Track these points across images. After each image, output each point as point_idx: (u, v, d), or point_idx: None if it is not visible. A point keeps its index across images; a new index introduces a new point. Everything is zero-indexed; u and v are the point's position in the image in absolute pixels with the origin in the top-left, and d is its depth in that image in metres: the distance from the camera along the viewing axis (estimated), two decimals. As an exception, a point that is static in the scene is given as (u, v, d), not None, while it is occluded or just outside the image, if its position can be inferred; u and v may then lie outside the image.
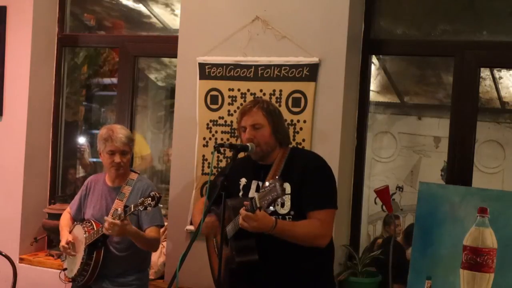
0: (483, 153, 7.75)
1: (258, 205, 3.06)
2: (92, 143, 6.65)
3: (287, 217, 3.40)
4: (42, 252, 5.57)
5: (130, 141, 4.17)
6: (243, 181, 3.61)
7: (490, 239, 3.61)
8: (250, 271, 3.40)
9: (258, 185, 3.53)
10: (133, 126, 5.48)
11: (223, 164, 4.63)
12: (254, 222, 3.15)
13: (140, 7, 6.35)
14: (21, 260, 5.41)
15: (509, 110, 8.08)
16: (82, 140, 6.65)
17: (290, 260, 3.40)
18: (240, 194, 3.60)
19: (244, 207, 3.17)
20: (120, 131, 4.12)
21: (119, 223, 3.81)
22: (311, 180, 3.41)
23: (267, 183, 3.06)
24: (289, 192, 3.40)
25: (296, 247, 3.33)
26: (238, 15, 4.61)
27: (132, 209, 3.79)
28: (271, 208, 3.31)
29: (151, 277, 4.60)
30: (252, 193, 3.53)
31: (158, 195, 3.76)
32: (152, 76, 7.35)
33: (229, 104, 4.64)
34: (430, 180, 4.69)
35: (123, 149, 4.11)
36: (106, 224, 3.84)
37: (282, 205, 3.41)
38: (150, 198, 3.75)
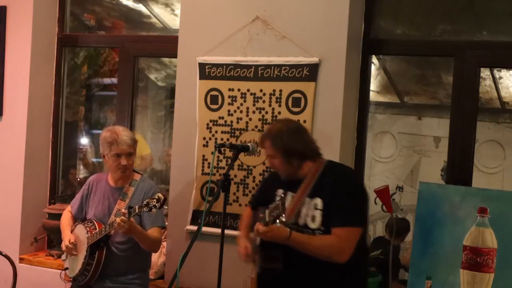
0: (483, 153, 7.77)
1: (267, 219, 3.27)
2: (93, 142, 6.65)
3: (316, 231, 3.42)
4: (42, 252, 5.56)
5: (135, 143, 4.18)
6: (280, 191, 3.61)
7: (490, 239, 3.61)
8: (275, 278, 3.47)
9: (293, 197, 3.54)
10: (133, 126, 5.48)
11: (223, 164, 4.63)
12: (268, 233, 3.31)
13: (140, 7, 6.35)
14: (21, 260, 5.39)
15: (509, 110, 8.09)
16: (83, 140, 6.65)
17: (316, 272, 3.42)
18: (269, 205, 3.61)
19: (259, 221, 3.35)
20: (124, 134, 4.12)
21: (129, 221, 3.83)
22: (338, 196, 3.41)
23: (276, 199, 3.27)
24: (320, 207, 3.43)
25: (323, 261, 3.36)
26: (238, 15, 4.60)
27: (137, 210, 3.81)
28: (303, 220, 3.45)
29: (151, 277, 4.60)
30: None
31: (163, 196, 3.77)
32: (152, 76, 7.36)
33: (229, 104, 4.64)
34: (430, 180, 4.69)
35: (129, 151, 4.12)
36: (118, 219, 3.84)
37: (313, 219, 3.44)
38: (155, 200, 3.76)
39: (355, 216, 3.43)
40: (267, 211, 3.29)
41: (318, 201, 3.43)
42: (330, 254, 3.35)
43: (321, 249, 3.35)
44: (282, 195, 3.33)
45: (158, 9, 6.27)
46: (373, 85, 6.59)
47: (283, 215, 3.23)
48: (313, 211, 3.43)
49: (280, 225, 3.29)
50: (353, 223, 3.40)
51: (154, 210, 3.78)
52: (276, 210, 3.22)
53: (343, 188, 3.44)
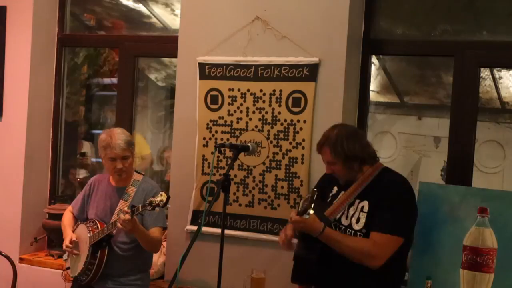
0: (483, 153, 7.75)
1: (299, 210, 3.36)
2: (93, 142, 6.66)
3: (358, 233, 3.45)
4: (42, 252, 5.57)
5: (130, 145, 4.17)
6: (334, 189, 3.68)
7: (490, 239, 3.58)
8: (310, 267, 3.51)
9: (317, 191, 3.55)
10: (133, 127, 5.48)
11: (223, 164, 4.63)
12: (301, 224, 3.38)
13: (140, 7, 6.35)
14: (21, 260, 5.40)
15: (509, 110, 8.07)
16: (83, 140, 6.65)
17: (350, 272, 3.45)
18: (328, 200, 3.68)
19: (294, 211, 3.45)
20: (119, 137, 4.12)
21: (133, 219, 3.84)
22: (385, 202, 3.42)
23: (309, 193, 3.41)
24: (366, 210, 3.46)
25: (359, 265, 3.39)
26: (238, 15, 4.61)
27: (141, 209, 3.82)
28: (348, 220, 3.51)
29: (151, 277, 4.60)
30: None
31: (166, 196, 3.78)
32: (152, 76, 7.36)
33: (229, 104, 4.64)
34: (430, 180, 4.68)
35: (123, 155, 4.12)
36: (122, 216, 3.85)
37: (358, 221, 3.47)
38: (158, 199, 3.77)
39: (397, 225, 3.41)
40: (301, 202, 3.39)
41: (366, 204, 3.47)
42: (361, 257, 3.36)
43: (353, 250, 3.37)
44: (315, 190, 3.41)
45: (158, 9, 6.27)
46: (373, 85, 6.56)
47: (311, 208, 3.29)
48: (359, 213, 3.47)
49: (313, 217, 3.35)
50: (393, 231, 3.39)
51: (157, 209, 3.80)
52: (305, 202, 3.31)
53: (391, 195, 3.45)
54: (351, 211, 3.50)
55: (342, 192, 3.60)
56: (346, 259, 3.39)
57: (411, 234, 3.60)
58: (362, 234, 3.43)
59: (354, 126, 3.92)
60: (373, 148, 3.64)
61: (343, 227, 3.49)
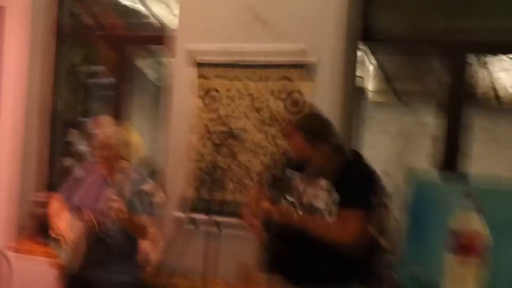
0: (472, 138, 7.80)
1: (273, 198, 3.42)
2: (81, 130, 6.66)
3: (321, 211, 3.47)
4: (29, 240, 5.55)
5: (117, 134, 4.18)
6: (289, 172, 3.66)
7: (477, 224, 3.62)
8: (283, 258, 3.53)
9: (300, 177, 3.60)
10: (126, 118, 5.52)
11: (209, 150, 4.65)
12: (273, 212, 3.42)
13: (139, 7, 6.36)
14: (10, 248, 5.41)
15: (500, 98, 8.13)
16: (70, 128, 6.65)
17: (323, 256, 3.45)
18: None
19: (265, 200, 3.46)
20: (106, 124, 4.16)
21: (123, 207, 3.84)
22: (346, 179, 3.47)
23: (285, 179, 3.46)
24: (326, 188, 3.49)
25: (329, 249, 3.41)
26: (237, 15, 4.65)
27: (131, 198, 3.81)
28: (311, 200, 3.51)
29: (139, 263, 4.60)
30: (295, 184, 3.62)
31: (158, 185, 3.78)
32: (148, 73, 7.39)
33: (226, 103, 4.66)
34: (417, 166, 4.73)
35: (109, 143, 4.13)
36: (114, 204, 3.85)
37: (317, 198, 3.50)
38: (149, 188, 3.77)
39: (360, 198, 3.47)
40: (273, 190, 3.40)
41: (324, 182, 3.49)
42: (335, 237, 3.39)
43: (325, 230, 3.41)
44: (290, 176, 3.45)
45: (156, 9, 6.28)
46: (371, 86, 6.67)
47: (289, 194, 3.35)
48: (318, 191, 3.49)
49: (287, 206, 3.37)
50: (358, 204, 3.44)
51: (146, 198, 3.80)
52: (283, 190, 3.35)
53: (350, 172, 3.50)
54: (310, 190, 3.53)
55: (297, 173, 3.62)
56: (318, 244, 3.40)
57: (373, 204, 3.61)
58: (323, 210, 3.46)
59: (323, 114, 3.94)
60: (341, 138, 3.73)
61: (305, 207, 3.51)
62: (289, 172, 3.66)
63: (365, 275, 3.62)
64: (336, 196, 3.46)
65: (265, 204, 3.39)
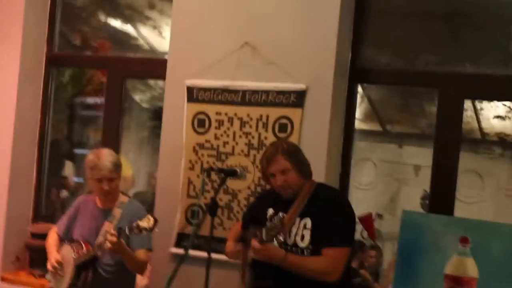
0: (462, 183, 7.84)
1: (264, 238, 3.30)
2: (75, 162, 6.65)
3: (305, 250, 3.48)
4: (24, 271, 5.51)
5: (117, 167, 4.15)
6: (270, 211, 3.68)
7: (471, 268, 3.66)
8: None
9: (283, 216, 3.58)
10: (120, 148, 5.48)
11: (208, 187, 4.65)
12: (264, 251, 3.36)
13: (128, 28, 6.38)
14: (3, 279, 5.36)
15: (489, 141, 8.19)
16: (65, 160, 6.64)
17: None
18: (267, 223, 3.63)
19: (255, 237, 3.36)
20: (107, 158, 4.10)
21: (120, 241, 3.83)
22: (329, 217, 3.47)
23: (274, 219, 3.39)
24: (310, 227, 3.49)
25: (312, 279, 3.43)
26: (227, 40, 4.66)
27: (128, 231, 3.80)
28: (292, 239, 3.51)
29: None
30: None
31: (153, 220, 3.78)
32: (137, 97, 7.38)
33: (216, 128, 4.67)
34: (409, 208, 4.74)
35: (110, 177, 4.10)
36: (109, 237, 3.83)
37: (302, 238, 3.49)
38: (145, 223, 3.77)
39: (344, 236, 3.51)
40: (264, 230, 3.32)
41: (308, 221, 3.49)
42: (322, 275, 3.41)
43: (314, 271, 3.41)
44: (281, 216, 3.44)
45: (145, 31, 6.31)
46: (356, 113, 6.66)
47: (281, 234, 3.31)
48: (302, 230, 3.49)
49: (276, 245, 3.36)
50: (342, 243, 3.47)
51: (144, 232, 3.79)
52: (275, 229, 3.27)
53: (332, 209, 3.50)
54: (294, 230, 3.52)
55: (280, 213, 3.61)
56: (299, 279, 3.42)
57: (354, 239, 3.71)
58: (309, 250, 3.47)
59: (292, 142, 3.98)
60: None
61: (289, 247, 3.51)
62: (270, 211, 3.68)
63: None
64: (308, 221, 3.49)
65: (255, 244, 3.38)
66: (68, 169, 6.73)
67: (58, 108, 6.43)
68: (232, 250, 3.78)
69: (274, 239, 3.34)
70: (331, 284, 3.43)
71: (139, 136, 7.70)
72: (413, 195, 8.15)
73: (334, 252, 3.42)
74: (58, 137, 6.56)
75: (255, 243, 3.36)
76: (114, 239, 3.80)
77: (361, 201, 8.21)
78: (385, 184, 8.76)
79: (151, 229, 3.79)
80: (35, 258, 5.38)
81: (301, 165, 3.57)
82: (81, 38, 6.22)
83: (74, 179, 6.74)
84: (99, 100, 6.25)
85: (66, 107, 6.74)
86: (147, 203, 6.21)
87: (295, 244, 3.51)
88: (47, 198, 6.00)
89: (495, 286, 3.66)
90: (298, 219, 3.53)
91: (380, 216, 7.89)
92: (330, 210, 3.50)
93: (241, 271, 3.74)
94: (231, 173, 3.88)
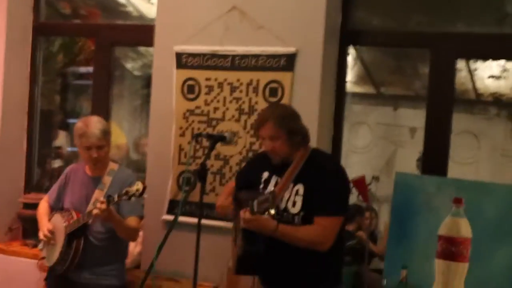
0: (457, 144, 7.83)
1: (255, 210, 3.28)
2: (69, 132, 6.61)
3: (295, 216, 3.46)
4: (16, 242, 5.53)
5: (106, 134, 4.13)
6: (265, 175, 3.66)
7: (465, 229, 3.64)
8: (256, 260, 3.52)
9: (277, 181, 3.57)
10: (109, 116, 5.44)
11: (199, 153, 4.63)
12: (254, 222, 3.36)
13: (117, -5, 6.32)
14: (-4, 249, 5.38)
15: (484, 102, 8.15)
16: (59, 130, 6.61)
17: (297, 257, 3.46)
18: (261, 187, 3.65)
19: (245, 210, 3.36)
20: (95, 126, 4.07)
21: (108, 208, 3.81)
22: (322, 185, 3.43)
23: (266, 191, 3.34)
24: (302, 193, 3.47)
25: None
26: (215, 4, 4.60)
27: (116, 199, 3.79)
28: (283, 204, 3.49)
29: (127, 266, 4.59)
30: (270, 187, 3.58)
31: (143, 185, 3.76)
32: (128, 65, 7.31)
33: (206, 93, 4.63)
34: (405, 170, 4.72)
35: (98, 144, 4.08)
36: (98, 205, 3.82)
37: (294, 204, 3.47)
38: (135, 188, 3.75)
39: (338, 206, 3.48)
40: (255, 201, 3.29)
41: (301, 187, 3.47)
42: (313, 245, 3.40)
43: (305, 241, 3.39)
44: (273, 189, 3.39)
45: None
46: (350, 76, 6.60)
47: (272, 209, 3.25)
48: (294, 197, 3.47)
49: (268, 216, 3.32)
50: (336, 212, 3.45)
51: (133, 198, 3.78)
52: (266, 203, 3.23)
53: (326, 177, 3.47)
54: (286, 195, 3.51)
55: (274, 176, 3.60)
56: (292, 246, 3.41)
57: (348, 208, 3.69)
58: (300, 217, 3.45)
59: (292, 107, 3.93)
60: (307, 130, 3.64)
61: (280, 212, 3.48)
62: (265, 175, 3.66)
63: (339, 276, 3.66)
64: (300, 187, 3.47)
65: (246, 215, 3.35)
66: (62, 138, 6.69)
67: (50, 78, 6.39)
68: (222, 203, 3.81)
69: (266, 212, 3.29)
70: (321, 253, 3.42)
71: (133, 104, 7.65)
72: (409, 157, 8.12)
73: (326, 221, 3.40)
74: (51, 107, 6.52)
75: (246, 213, 3.35)
76: (103, 206, 3.79)
77: (357, 164, 8.20)
78: (381, 147, 8.73)
79: (140, 195, 3.77)
80: (28, 228, 5.38)
81: (292, 134, 3.51)
82: (70, 6, 6.15)
83: (67, 149, 6.70)
84: (91, 69, 6.18)
85: (58, 77, 6.69)
86: (140, 170, 6.22)
87: (286, 209, 3.49)
88: (41, 168, 5.98)
89: (489, 246, 3.65)
90: (291, 184, 3.50)
91: (376, 178, 7.86)
92: (324, 177, 3.47)
93: (232, 235, 3.75)
94: (220, 138, 3.85)
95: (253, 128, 3.71)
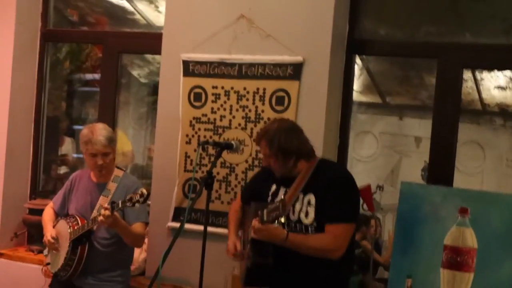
0: (463, 154, 7.83)
1: (265, 219, 3.28)
2: (75, 138, 6.64)
3: (309, 227, 3.45)
4: (22, 247, 5.54)
5: (111, 141, 4.13)
6: (273, 187, 3.66)
7: (470, 239, 3.63)
8: (265, 272, 3.50)
9: (286, 191, 3.56)
10: (116, 123, 5.46)
11: (205, 161, 4.63)
12: (264, 232, 3.34)
13: (124, 3, 6.33)
14: (1, 255, 5.38)
15: (490, 112, 8.15)
16: (65, 136, 6.63)
17: (306, 268, 3.46)
18: (269, 199, 3.64)
19: (256, 218, 3.35)
20: (101, 133, 4.08)
21: (113, 214, 3.82)
22: (333, 193, 3.43)
23: (275, 200, 3.30)
24: (314, 203, 3.46)
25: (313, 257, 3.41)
26: (223, 13, 4.61)
27: (121, 205, 3.80)
28: (296, 216, 3.47)
29: (131, 273, 4.59)
30: (279, 198, 3.57)
31: (146, 192, 3.77)
32: (135, 73, 7.34)
33: (212, 101, 4.64)
34: (410, 180, 4.71)
35: (104, 151, 4.09)
36: (102, 211, 3.83)
37: (306, 215, 3.46)
38: (138, 195, 3.76)
39: (349, 213, 3.49)
40: (265, 210, 3.29)
41: (312, 197, 3.47)
42: (325, 253, 3.40)
43: (317, 249, 3.39)
44: (283, 197, 3.36)
45: (141, 6, 6.26)
46: (356, 85, 6.61)
47: (283, 216, 3.27)
48: (306, 207, 3.46)
49: (278, 226, 3.33)
50: (347, 219, 3.46)
51: (137, 205, 3.78)
52: (276, 211, 3.22)
53: (336, 185, 3.47)
54: (298, 206, 3.50)
55: (282, 188, 3.60)
56: (301, 256, 3.40)
57: (358, 215, 3.69)
58: (313, 227, 3.44)
59: (293, 122, 3.90)
60: (310, 143, 3.63)
61: (293, 224, 3.48)
62: (273, 187, 3.65)
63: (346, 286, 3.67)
64: (311, 197, 3.46)
65: (256, 223, 3.34)
66: (68, 145, 6.71)
67: (57, 84, 6.41)
68: (234, 253, 3.71)
69: (276, 221, 3.30)
70: (331, 261, 3.42)
71: (139, 112, 7.67)
72: (414, 167, 8.14)
73: (337, 228, 3.40)
74: (57, 114, 6.55)
75: (255, 223, 3.35)
76: (107, 212, 3.80)
77: (362, 173, 8.20)
78: (386, 156, 8.74)
79: (144, 201, 3.78)
80: (33, 234, 5.39)
81: (284, 155, 3.49)
82: (77, 14, 6.18)
83: (73, 155, 6.72)
84: (97, 76, 6.21)
85: (65, 84, 6.71)
86: (146, 177, 6.24)
87: (299, 221, 3.49)
88: (47, 175, 6.00)
89: (495, 256, 3.64)
90: (301, 195, 3.50)
91: (381, 188, 7.87)
92: (334, 186, 3.46)
93: (240, 247, 3.73)
94: (227, 146, 3.86)
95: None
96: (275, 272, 3.48)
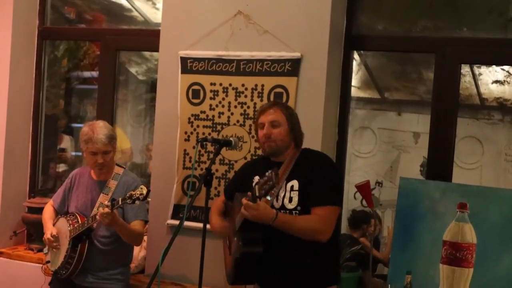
0: (461, 149, 7.82)
1: (257, 194, 3.24)
2: (73, 136, 6.62)
3: (293, 212, 3.49)
4: (21, 246, 5.52)
5: (112, 140, 4.13)
6: (256, 179, 3.66)
7: (469, 234, 3.64)
8: (255, 263, 3.50)
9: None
10: (114, 120, 5.45)
11: (204, 158, 4.63)
12: (254, 211, 3.32)
13: (121, 0, 6.32)
14: (0, 254, 5.37)
15: (488, 107, 8.15)
16: (63, 134, 6.61)
17: (295, 255, 3.48)
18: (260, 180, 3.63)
19: (245, 197, 3.34)
20: (101, 131, 4.08)
21: (112, 212, 3.82)
22: (317, 178, 3.48)
23: (266, 173, 3.22)
24: (297, 188, 3.50)
25: (301, 242, 3.42)
26: (221, 10, 4.60)
27: (120, 202, 3.80)
28: (280, 202, 3.52)
29: (131, 271, 4.59)
30: None
31: (146, 189, 3.77)
32: (133, 70, 7.32)
33: (210, 98, 4.64)
34: (409, 176, 4.72)
35: (104, 150, 4.09)
36: (101, 210, 3.84)
37: (290, 200, 3.50)
38: (138, 192, 3.76)
39: (334, 196, 3.54)
40: (257, 186, 3.26)
41: (295, 183, 3.51)
42: (313, 233, 3.42)
43: (305, 229, 3.41)
44: (275, 168, 3.30)
45: (139, 3, 6.24)
46: (354, 81, 6.59)
47: (276, 186, 3.25)
48: (289, 193, 3.50)
49: (264, 204, 3.33)
50: (333, 202, 3.50)
51: (137, 202, 3.78)
52: (269, 181, 3.18)
53: (321, 169, 3.53)
54: (281, 193, 3.53)
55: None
56: (288, 243, 3.43)
57: (343, 199, 3.74)
58: (297, 211, 3.48)
59: None
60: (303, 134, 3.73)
61: (276, 210, 3.47)
62: (256, 179, 3.64)
63: (337, 273, 3.70)
64: (295, 183, 3.50)
65: (246, 201, 3.32)
66: (66, 143, 6.69)
67: (54, 82, 6.39)
68: (220, 225, 3.80)
69: (270, 192, 3.26)
70: (319, 248, 3.44)
71: (137, 109, 7.66)
72: (413, 163, 8.14)
73: (323, 210, 3.44)
74: (55, 112, 6.53)
75: (245, 201, 3.33)
76: (106, 210, 3.80)
77: (360, 169, 8.20)
78: (384, 152, 8.72)
79: (143, 199, 3.78)
80: (33, 232, 5.38)
81: (294, 125, 3.61)
82: (75, 11, 6.17)
83: (72, 153, 6.71)
84: (95, 73, 6.19)
85: (63, 81, 6.70)
86: (145, 175, 6.23)
87: (283, 206, 3.52)
88: (45, 173, 5.99)
89: (494, 251, 3.65)
90: (284, 182, 3.53)
91: (380, 184, 7.86)
92: (319, 170, 3.52)
93: (226, 242, 3.75)
94: (226, 143, 3.86)
95: (256, 115, 3.73)
96: (264, 261, 3.48)
